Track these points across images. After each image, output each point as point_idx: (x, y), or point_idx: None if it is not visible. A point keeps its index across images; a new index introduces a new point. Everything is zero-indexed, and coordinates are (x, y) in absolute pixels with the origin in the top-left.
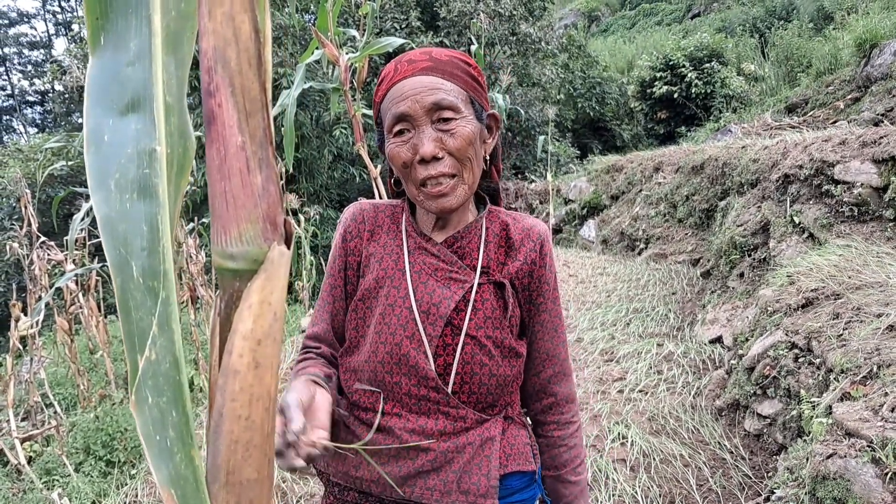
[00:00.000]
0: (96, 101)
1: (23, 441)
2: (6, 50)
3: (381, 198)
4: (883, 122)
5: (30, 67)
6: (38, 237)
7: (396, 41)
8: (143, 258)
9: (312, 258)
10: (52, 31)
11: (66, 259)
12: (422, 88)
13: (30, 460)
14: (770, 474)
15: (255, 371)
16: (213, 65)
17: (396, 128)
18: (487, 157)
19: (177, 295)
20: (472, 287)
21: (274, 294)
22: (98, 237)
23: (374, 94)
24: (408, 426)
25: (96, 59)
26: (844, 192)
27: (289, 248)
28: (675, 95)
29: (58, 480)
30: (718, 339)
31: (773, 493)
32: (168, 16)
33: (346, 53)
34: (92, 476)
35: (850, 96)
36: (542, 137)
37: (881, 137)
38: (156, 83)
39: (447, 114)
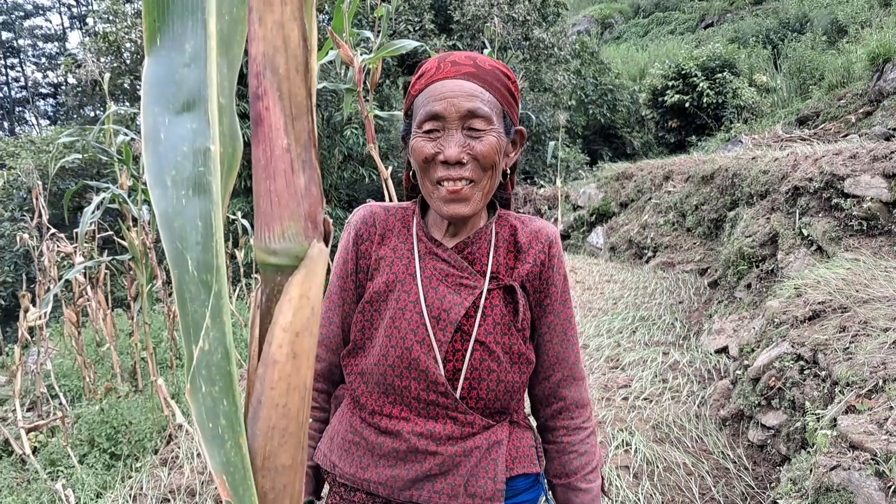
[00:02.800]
0: (154, 100)
1: (28, 431)
2: (21, 42)
3: (390, 199)
4: (894, 136)
5: (43, 60)
6: (49, 229)
7: (411, 43)
8: (197, 252)
9: None
10: (66, 24)
11: (75, 251)
12: (460, 93)
13: (34, 450)
14: (773, 485)
15: (292, 361)
16: (262, 70)
17: (427, 125)
18: (508, 171)
19: None
20: (481, 293)
21: (312, 289)
22: (107, 230)
23: (411, 86)
24: (416, 430)
25: (152, 59)
26: (854, 205)
27: (327, 245)
28: (687, 104)
29: (62, 471)
30: (724, 350)
31: (776, 503)
32: (221, 20)
33: (361, 54)
34: (96, 468)
35: (861, 110)
36: (552, 143)
37: (892, 152)
38: (210, 84)
39: (479, 123)
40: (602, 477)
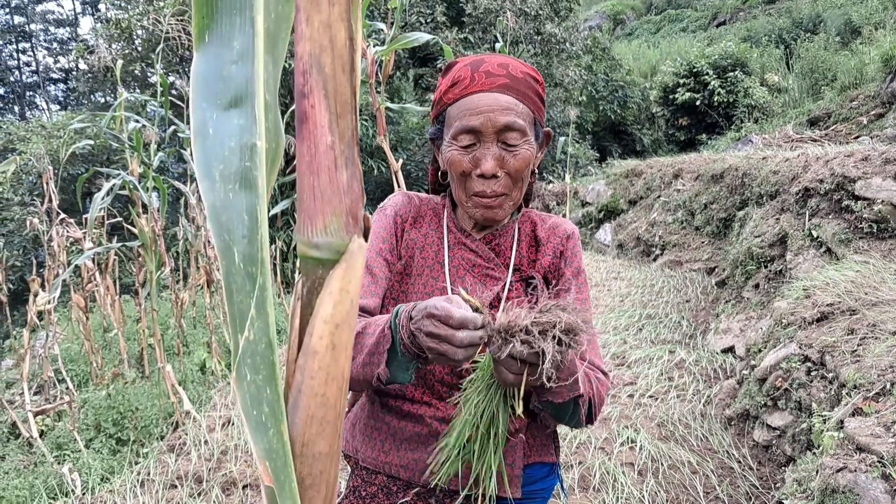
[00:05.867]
0: (202, 96)
1: (35, 415)
2: (32, 26)
3: (401, 189)
4: None
5: (55, 45)
6: (58, 214)
7: (424, 36)
8: (243, 245)
9: None
10: (78, 9)
11: (84, 237)
12: (497, 107)
13: (41, 434)
14: (777, 485)
15: (332, 352)
16: (309, 68)
17: (463, 138)
18: (536, 171)
19: (193, 279)
20: (505, 284)
21: (352, 283)
22: (116, 216)
23: (441, 92)
24: (437, 415)
25: (201, 55)
26: (864, 208)
27: (366, 240)
28: (698, 103)
29: (68, 455)
30: (731, 349)
31: (781, 503)
32: (268, 18)
33: (373, 46)
34: (102, 453)
35: (873, 112)
36: (562, 139)
37: None
38: (257, 81)
39: (514, 136)
40: (592, 410)
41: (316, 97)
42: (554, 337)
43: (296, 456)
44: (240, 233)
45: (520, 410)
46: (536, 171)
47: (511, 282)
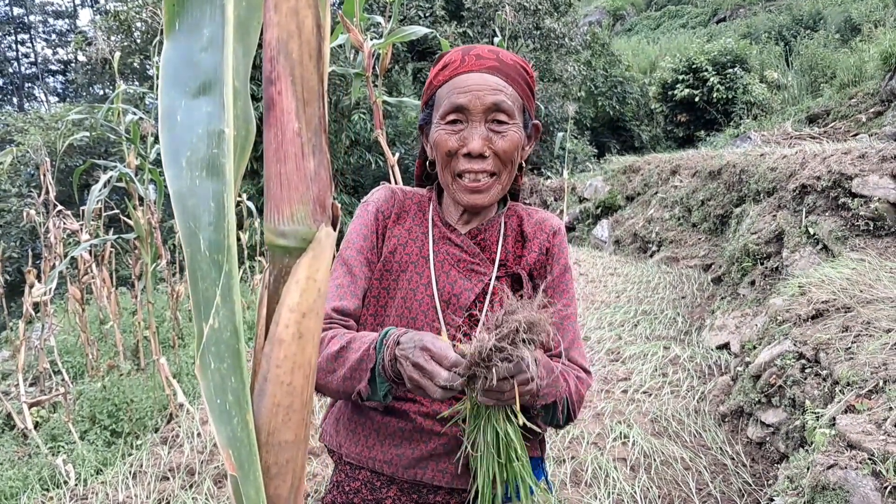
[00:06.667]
0: (171, 83)
1: (30, 406)
2: (31, 18)
3: (396, 184)
4: None
5: (54, 36)
6: (55, 205)
7: (422, 30)
8: (209, 232)
9: None
10: (77, 1)
11: (81, 229)
12: (485, 86)
13: (36, 425)
14: (770, 482)
15: (298, 341)
16: (276, 55)
17: (450, 116)
18: (523, 164)
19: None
20: (490, 280)
21: (319, 272)
22: (113, 209)
23: (432, 76)
24: (422, 410)
25: (171, 42)
26: (861, 205)
27: (335, 229)
28: (696, 99)
29: (63, 447)
30: (726, 346)
31: (773, 500)
32: (239, 6)
33: (371, 39)
34: (97, 445)
35: (872, 110)
36: (560, 134)
37: None
38: (226, 69)
39: (502, 117)
40: (571, 408)
41: (283, 84)
42: (524, 340)
43: (261, 444)
44: (206, 220)
45: (521, 420)
46: (524, 164)
47: (496, 277)
